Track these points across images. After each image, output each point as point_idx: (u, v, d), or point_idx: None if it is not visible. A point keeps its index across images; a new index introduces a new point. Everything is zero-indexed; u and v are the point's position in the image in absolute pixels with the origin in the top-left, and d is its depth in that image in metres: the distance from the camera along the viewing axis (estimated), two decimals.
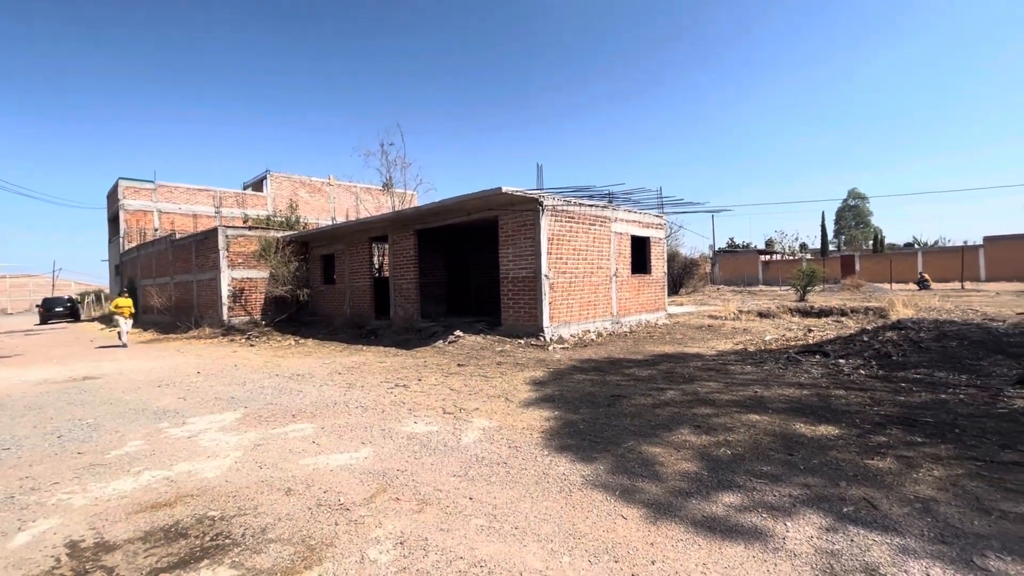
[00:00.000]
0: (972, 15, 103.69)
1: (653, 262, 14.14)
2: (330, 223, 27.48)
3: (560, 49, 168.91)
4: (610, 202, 12.48)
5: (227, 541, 2.81)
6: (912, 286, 27.77)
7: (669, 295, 26.23)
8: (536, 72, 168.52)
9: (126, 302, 14.65)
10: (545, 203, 10.53)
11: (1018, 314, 11.44)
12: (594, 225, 11.90)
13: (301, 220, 22.36)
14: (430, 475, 3.65)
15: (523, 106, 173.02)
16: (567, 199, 11.13)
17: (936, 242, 53.12)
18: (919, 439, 3.97)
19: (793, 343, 9.08)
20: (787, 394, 5.50)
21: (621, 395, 5.74)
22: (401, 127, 66.63)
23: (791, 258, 51.29)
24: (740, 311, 15.47)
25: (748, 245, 63.85)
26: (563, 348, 9.67)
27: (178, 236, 20.51)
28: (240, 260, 16.52)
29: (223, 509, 3.23)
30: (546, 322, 10.44)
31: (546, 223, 10.57)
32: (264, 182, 29.68)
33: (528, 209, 10.57)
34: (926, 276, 28.63)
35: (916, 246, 52.06)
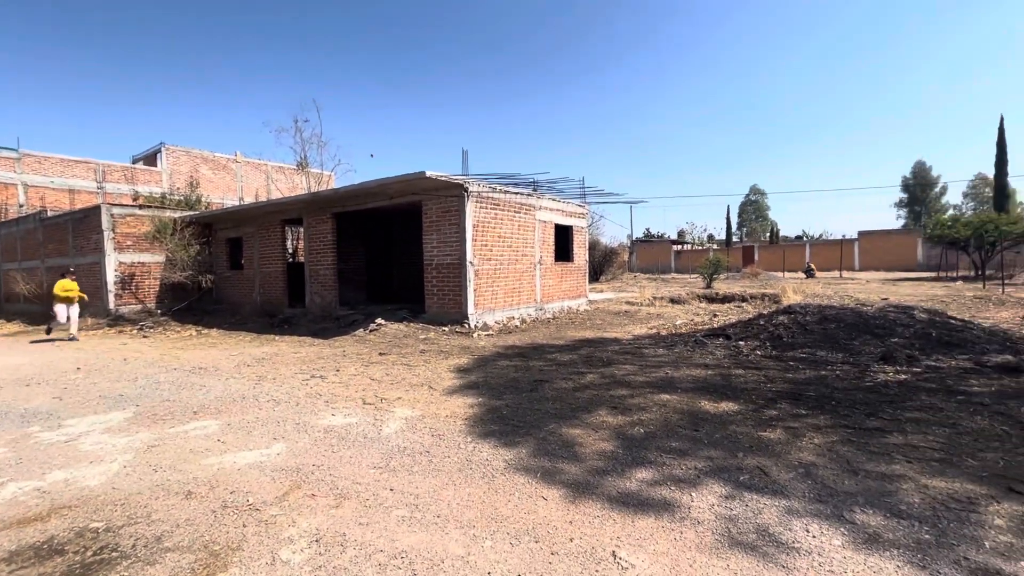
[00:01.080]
0: (852, 32, 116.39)
1: (575, 250, 14.57)
2: (237, 204, 25.39)
3: (488, 36, 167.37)
4: (535, 190, 12.64)
5: (114, 555, 2.54)
6: (801, 274, 30.99)
7: (590, 282, 27.23)
8: (464, 58, 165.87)
9: (72, 284, 11.71)
10: (471, 189, 10.44)
11: (883, 299, 13.17)
12: (519, 213, 12.01)
13: (203, 200, 20.44)
14: (349, 468, 3.53)
15: (450, 92, 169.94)
16: (492, 186, 11.12)
17: (821, 235, 59.58)
18: (803, 411, 4.45)
19: (700, 327, 9.80)
20: (694, 374, 5.93)
21: (544, 380, 5.88)
22: (317, 104, 62.52)
23: (700, 248, 55.20)
24: (654, 297, 16.43)
25: (662, 235, 67.86)
26: (488, 335, 9.72)
27: (50, 214, 17.93)
28: (130, 242, 14.80)
29: (109, 519, 2.90)
30: (471, 309, 10.43)
31: (471, 209, 10.50)
32: (158, 156, 26.69)
33: (453, 195, 10.43)
34: (812, 266, 32.09)
35: (805, 239, 58.12)
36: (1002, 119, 39.07)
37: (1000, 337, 7.03)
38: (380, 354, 8.01)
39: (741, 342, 7.63)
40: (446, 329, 10.09)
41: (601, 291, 20.95)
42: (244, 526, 2.77)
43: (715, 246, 60.83)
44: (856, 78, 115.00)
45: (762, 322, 8.34)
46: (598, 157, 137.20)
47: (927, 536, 2.49)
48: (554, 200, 13.45)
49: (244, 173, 29.20)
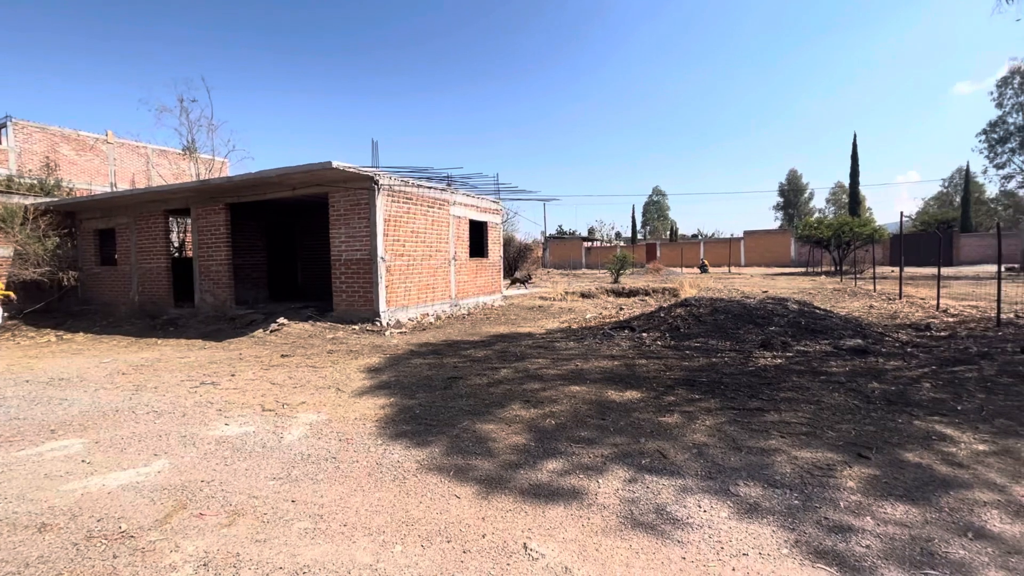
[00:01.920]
0: (739, 52, 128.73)
1: (490, 246, 14.66)
2: (110, 190, 22.38)
3: (403, 32, 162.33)
4: (449, 185, 12.51)
5: None
6: (696, 270, 33.77)
7: (504, 278, 27.62)
8: (378, 49, 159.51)
9: None
10: (381, 182, 10.08)
11: (763, 292, 14.74)
12: (433, 208, 11.82)
13: (64, 184, 17.77)
14: (244, 482, 3.26)
15: (360, 82, 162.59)
16: (405, 179, 10.82)
17: (713, 234, 65.33)
18: (697, 396, 4.85)
19: (608, 320, 10.31)
20: (602, 366, 6.23)
21: (458, 376, 5.85)
22: (206, 82, 55.82)
23: (608, 245, 58.06)
24: (566, 292, 17.03)
25: (574, 232, 70.36)
26: (401, 333, 9.48)
27: None
28: None
29: None
30: (383, 306, 10.10)
31: (382, 203, 10.14)
32: (3, 132, 22.71)
33: (363, 187, 10.01)
34: (706, 262, 35.09)
35: (700, 237, 63.40)
36: (855, 136, 45.32)
37: (853, 324, 8.16)
38: (282, 356, 7.50)
39: (644, 334, 8.14)
40: (356, 328, 9.68)
41: (516, 287, 21.30)
42: (115, 557, 2.45)
43: (622, 243, 64.33)
44: (744, 93, 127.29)
45: (662, 315, 8.95)
46: (513, 156, 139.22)
47: (796, 501, 2.83)
48: (469, 196, 13.40)
49: (118, 156, 25.74)
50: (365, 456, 3.63)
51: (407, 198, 10.93)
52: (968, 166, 43.75)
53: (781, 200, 70.11)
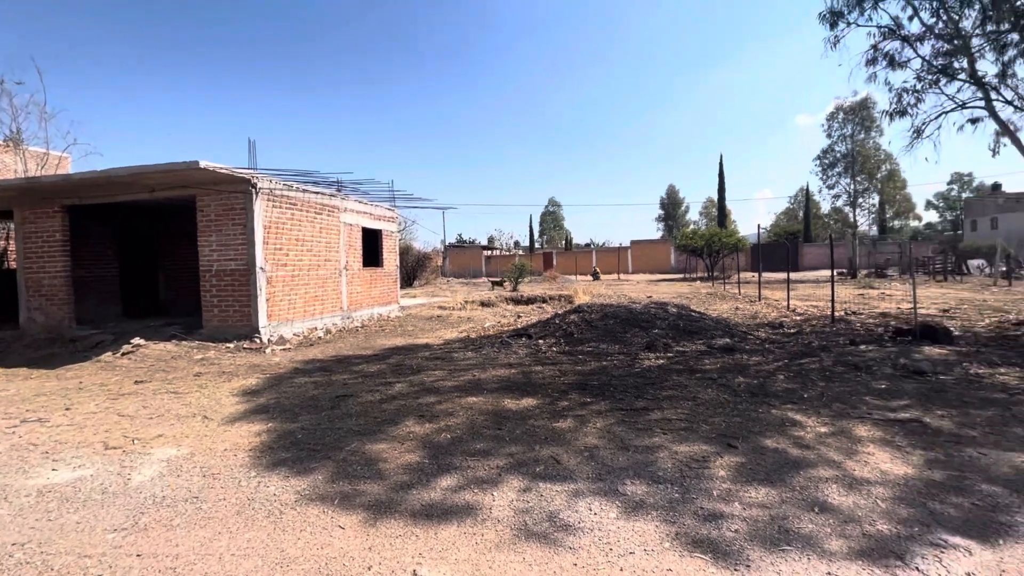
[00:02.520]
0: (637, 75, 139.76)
1: (385, 255, 14.16)
2: None
3: (287, 28, 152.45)
4: (339, 191, 11.88)
5: None
6: (589, 277, 35.65)
7: (403, 287, 26.91)
8: (262, 44, 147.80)
9: None
10: (261, 185, 9.27)
11: (648, 297, 15.93)
12: (321, 214, 11.13)
13: None
14: (73, 539, 2.72)
15: (234, 77, 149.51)
16: (289, 184, 10.07)
17: (604, 243, 69.61)
18: (589, 399, 5.04)
19: (507, 328, 10.43)
20: (499, 374, 6.25)
21: (348, 394, 5.50)
22: (37, 63, 46.64)
23: (508, 254, 59.22)
24: (466, 301, 16.99)
25: (474, 241, 70.84)
26: (284, 349, 8.74)
27: None
28: None
29: None
30: (263, 321, 9.25)
31: (262, 208, 9.32)
32: None
33: (238, 191, 9.11)
34: (598, 269, 37.23)
35: (592, 246, 67.23)
36: (721, 157, 51.26)
37: (723, 325, 9.09)
38: (136, 382, 6.51)
39: (540, 340, 8.34)
40: (231, 346, 8.74)
41: (414, 296, 20.82)
42: None
43: (521, 252, 66.01)
44: (629, 112, 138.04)
45: (557, 321, 9.26)
46: (411, 163, 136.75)
47: (676, 495, 3.02)
48: (361, 202, 12.84)
49: None
50: (235, 492, 3.23)
51: (291, 203, 10.17)
52: (808, 186, 51.67)
53: (662, 212, 76.82)
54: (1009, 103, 9.46)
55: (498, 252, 64.11)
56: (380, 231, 13.92)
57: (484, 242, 72.14)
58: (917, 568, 2.27)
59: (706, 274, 32.61)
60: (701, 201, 75.84)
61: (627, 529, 2.66)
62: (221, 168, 8.33)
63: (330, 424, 4.51)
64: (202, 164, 7.94)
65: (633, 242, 48.65)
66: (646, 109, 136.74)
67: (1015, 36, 9.41)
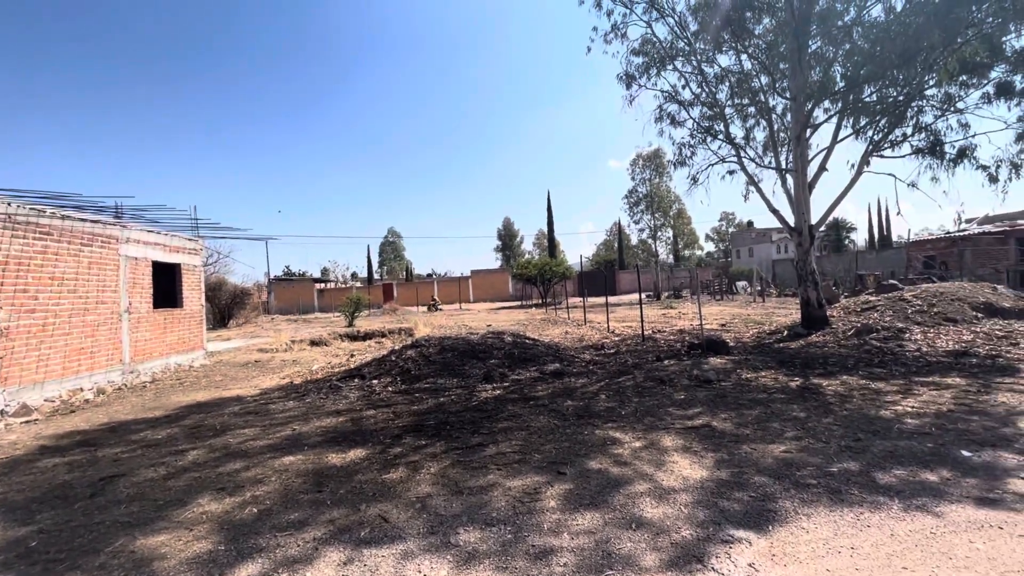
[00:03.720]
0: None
1: (186, 293, 12.11)
2: None
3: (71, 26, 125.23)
4: (118, 218, 9.87)
5: None
6: (425, 308, 35.46)
7: (215, 329, 23.36)
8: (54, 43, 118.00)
9: None
10: None
11: (487, 326, 16.35)
12: (91, 246, 9.06)
13: None
14: None
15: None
16: (39, 208, 8.00)
17: (446, 273, 70.32)
18: (424, 441, 4.81)
19: (338, 369, 9.63)
20: (325, 425, 5.65)
21: (119, 474, 4.39)
22: None
23: (343, 286, 55.99)
24: (293, 341, 15.39)
25: (304, 274, 65.58)
26: (27, 422, 6.75)
27: None
28: None
29: None
30: None
31: None
32: None
33: None
34: (437, 299, 37.24)
35: (433, 276, 67.36)
36: (548, 193, 56.44)
37: (553, 350, 9.68)
38: None
39: (375, 380, 7.85)
40: None
41: (228, 339, 18.15)
42: None
43: (358, 284, 63.05)
44: (465, 145, 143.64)
45: (393, 358, 8.86)
46: (221, 190, 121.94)
47: (509, 535, 2.96)
48: (152, 232, 10.84)
49: None
50: None
51: (43, 233, 8.08)
52: (619, 221, 59.48)
53: (500, 243, 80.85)
54: (752, 160, 12.14)
55: (333, 284, 60.23)
56: (178, 265, 11.89)
57: (317, 274, 67.23)
58: (713, 568, 2.53)
59: (540, 300, 34.96)
60: (534, 233, 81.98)
61: None
62: None
63: (86, 519, 3.51)
64: None
65: (473, 272, 50.05)
66: (483, 143, 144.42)
67: (752, 109, 12.19)
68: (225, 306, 26.25)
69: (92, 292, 9.02)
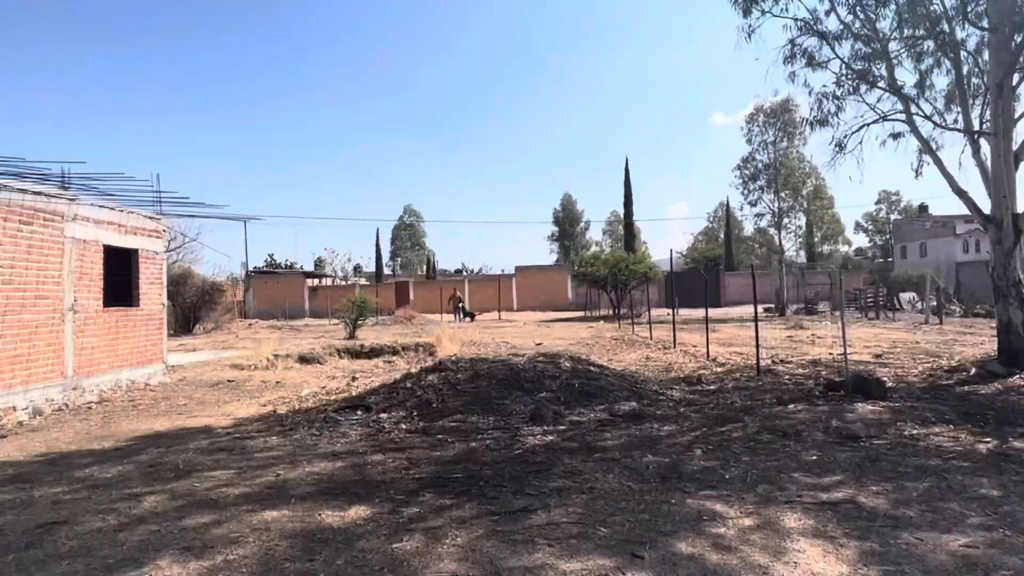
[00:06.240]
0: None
1: (144, 288, 12.86)
2: None
3: None
4: (65, 189, 10.61)
5: None
6: (451, 316, 36.05)
7: (177, 335, 24.69)
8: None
9: None
10: None
11: (536, 344, 16.47)
12: (30, 224, 9.78)
13: None
14: None
15: None
16: None
17: (480, 269, 71.23)
18: (448, 500, 4.93)
19: (335, 396, 9.99)
20: (318, 471, 5.88)
21: (60, 521, 4.74)
22: None
23: (344, 283, 57.81)
24: (276, 356, 16.05)
25: (293, 265, 67.90)
26: None
27: None
28: None
29: None
30: None
31: None
32: None
33: None
34: (464, 303, 37.89)
35: (464, 272, 68.41)
36: (627, 160, 55.90)
37: (629, 382, 9.66)
38: None
39: (384, 414, 8.10)
40: None
41: (195, 349, 19.14)
42: None
43: (363, 280, 64.82)
44: (508, 106, 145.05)
45: (409, 384, 9.10)
46: (188, 154, 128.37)
47: None
48: (105, 208, 11.60)
49: None
50: None
51: None
52: (728, 201, 58.33)
53: (556, 230, 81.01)
54: (928, 118, 11.63)
55: (330, 280, 62.20)
56: (135, 251, 12.65)
57: (309, 266, 69.43)
58: None
59: (611, 311, 34.77)
60: (604, 217, 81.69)
61: None
62: None
63: None
64: None
65: (519, 268, 50.40)
66: (529, 92, 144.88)
67: (930, 44, 11.68)
68: (191, 306, 27.70)
69: (28, 284, 9.75)
